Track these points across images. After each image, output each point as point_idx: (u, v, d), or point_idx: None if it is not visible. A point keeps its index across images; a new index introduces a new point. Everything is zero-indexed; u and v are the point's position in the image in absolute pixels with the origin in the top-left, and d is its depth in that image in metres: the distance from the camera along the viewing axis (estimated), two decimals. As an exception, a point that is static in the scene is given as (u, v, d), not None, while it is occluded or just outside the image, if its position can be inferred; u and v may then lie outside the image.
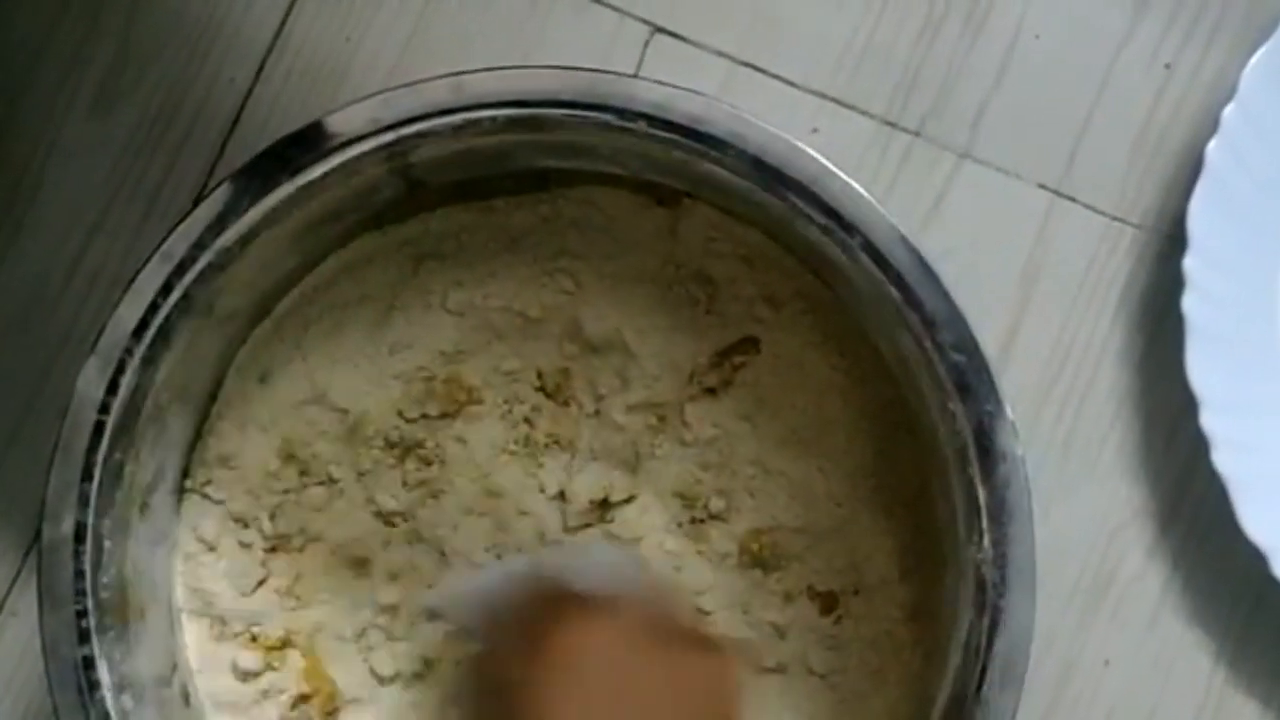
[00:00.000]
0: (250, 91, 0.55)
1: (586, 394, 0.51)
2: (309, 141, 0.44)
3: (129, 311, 0.44)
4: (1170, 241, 0.54)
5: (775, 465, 0.51)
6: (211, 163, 0.54)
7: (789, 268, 0.50)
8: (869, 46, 0.55)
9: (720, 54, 0.55)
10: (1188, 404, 0.51)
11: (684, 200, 0.50)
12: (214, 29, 0.55)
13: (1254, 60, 0.51)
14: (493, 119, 0.44)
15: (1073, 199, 0.54)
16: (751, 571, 0.51)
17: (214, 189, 0.45)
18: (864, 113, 0.55)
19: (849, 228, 0.44)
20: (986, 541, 0.43)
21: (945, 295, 0.44)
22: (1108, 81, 0.54)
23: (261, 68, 0.55)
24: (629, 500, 0.51)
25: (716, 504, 0.51)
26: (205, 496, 0.50)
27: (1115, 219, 0.54)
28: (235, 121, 0.55)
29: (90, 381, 0.44)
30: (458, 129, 0.44)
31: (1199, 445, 0.51)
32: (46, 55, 0.55)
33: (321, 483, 0.51)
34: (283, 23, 0.55)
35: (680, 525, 0.51)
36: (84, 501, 0.43)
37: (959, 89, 0.55)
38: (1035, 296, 0.54)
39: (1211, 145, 0.51)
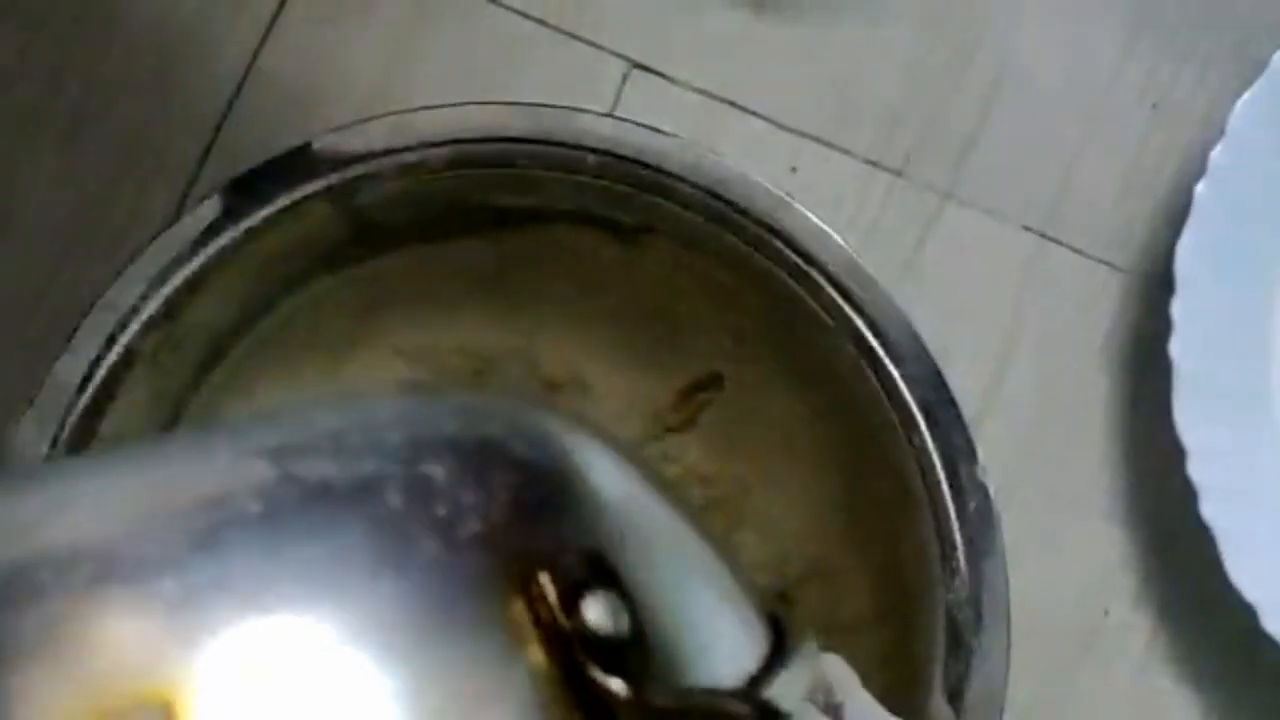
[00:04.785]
0: (220, 126, 0.54)
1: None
2: (249, 186, 0.43)
3: (69, 365, 0.43)
4: (1159, 285, 0.52)
5: (744, 505, 0.50)
6: (180, 198, 0.54)
7: (752, 302, 0.49)
8: (852, 83, 0.54)
9: (699, 90, 0.54)
10: (1177, 450, 0.50)
11: (644, 236, 0.49)
12: (184, 62, 0.54)
13: (1242, 101, 0.50)
14: (438, 158, 0.43)
15: (1058, 241, 0.53)
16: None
17: (149, 243, 0.44)
18: (845, 152, 0.54)
19: (810, 260, 0.43)
20: (958, 581, 0.42)
21: (909, 328, 0.43)
22: (1094, 121, 0.53)
23: (233, 101, 0.54)
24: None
25: (685, 548, 0.50)
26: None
27: (1102, 261, 0.53)
28: (205, 155, 0.54)
29: (27, 438, 0.43)
30: (402, 169, 0.43)
31: (1188, 492, 0.50)
32: (14, 88, 0.54)
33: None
34: (254, 56, 0.54)
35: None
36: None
37: (942, 128, 0.54)
38: (1021, 340, 0.53)
39: (1200, 187, 0.50)
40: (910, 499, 0.45)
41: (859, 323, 0.43)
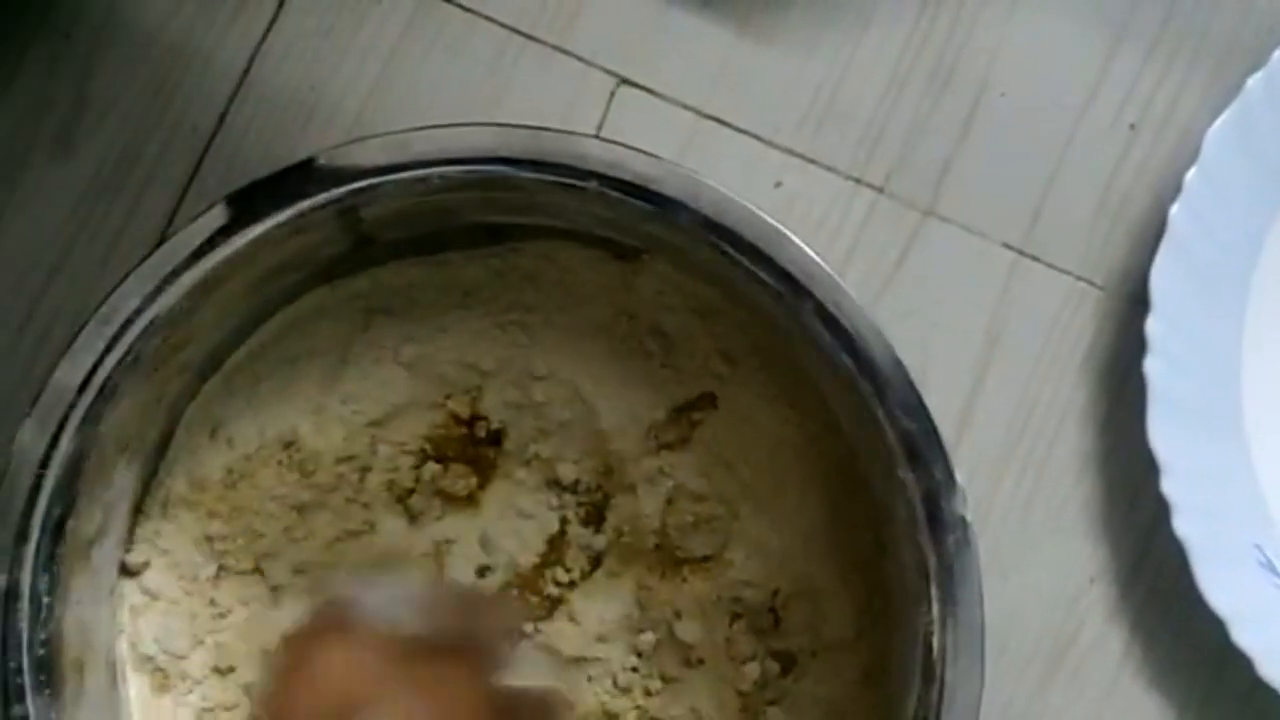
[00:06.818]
0: (213, 138, 0.54)
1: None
2: (251, 200, 0.44)
3: (68, 373, 0.44)
4: (1134, 303, 0.53)
5: (733, 523, 0.50)
6: (173, 207, 0.54)
7: (744, 322, 0.49)
8: (835, 101, 0.55)
9: (686, 107, 0.55)
10: (1151, 466, 0.51)
11: (639, 255, 0.50)
12: (177, 74, 0.55)
13: (1217, 124, 0.51)
14: (441, 176, 0.44)
15: (1036, 258, 0.54)
16: (710, 628, 0.50)
17: (152, 251, 0.44)
18: (829, 168, 0.54)
19: (800, 291, 0.43)
20: (935, 609, 0.43)
21: (897, 361, 0.43)
22: (1072, 141, 0.54)
23: (224, 114, 0.54)
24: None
25: (673, 560, 0.50)
26: (153, 547, 0.49)
27: (1079, 279, 0.54)
28: (197, 166, 0.54)
29: (28, 440, 0.43)
30: (401, 186, 0.44)
31: (1161, 508, 0.51)
32: (6, 98, 0.54)
33: (269, 535, 0.50)
34: (246, 70, 0.55)
35: (638, 582, 0.51)
36: (19, 561, 0.43)
37: (924, 146, 0.54)
38: (998, 356, 0.54)
39: (1174, 209, 0.51)
40: (891, 527, 0.45)
41: (844, 355, 0.44)
